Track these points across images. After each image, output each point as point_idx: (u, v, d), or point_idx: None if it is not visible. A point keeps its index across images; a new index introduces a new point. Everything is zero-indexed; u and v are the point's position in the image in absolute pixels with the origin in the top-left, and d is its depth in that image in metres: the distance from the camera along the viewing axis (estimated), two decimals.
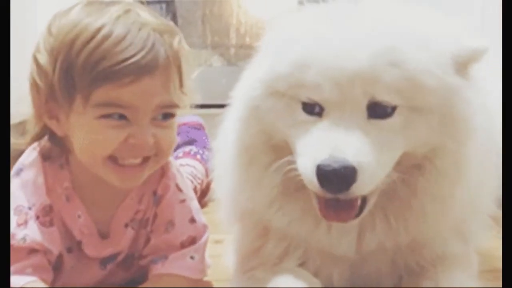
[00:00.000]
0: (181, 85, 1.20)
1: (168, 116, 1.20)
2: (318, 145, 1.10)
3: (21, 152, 1.27)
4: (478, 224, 1.34)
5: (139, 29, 1.14)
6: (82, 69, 1.11)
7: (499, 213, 1.29)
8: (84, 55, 1.11)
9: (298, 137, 1.15)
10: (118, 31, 1.12)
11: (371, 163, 1.08)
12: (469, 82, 1.16)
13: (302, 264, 1.28)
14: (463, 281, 1.23)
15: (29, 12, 2.33)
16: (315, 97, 1.12)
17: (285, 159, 1.17)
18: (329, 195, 1.10)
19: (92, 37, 1.12)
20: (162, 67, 1.15)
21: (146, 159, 1.19)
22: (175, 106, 1.20)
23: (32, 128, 1.24)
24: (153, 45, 1.14)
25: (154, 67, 1.13)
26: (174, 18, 3.20)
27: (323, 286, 1.24)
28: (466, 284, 1.23)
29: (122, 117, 1.15)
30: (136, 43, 1.12)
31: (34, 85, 1.18)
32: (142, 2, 1.27)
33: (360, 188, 1.08)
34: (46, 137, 1.25)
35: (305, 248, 1.27)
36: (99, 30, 1.12)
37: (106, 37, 1.12)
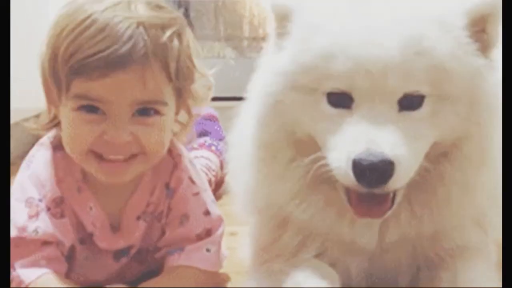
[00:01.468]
0: (169, 80, 1.15)
1: (150, 112, 1.16)
2: (352, 139, 1.07)
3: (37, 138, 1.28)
4: (498, 215, 1.32)
5: (120, 22, 1.10)
6: (62, 59, 1.11)
7: None
8: (64, 46, 1.10)
9: (326, 131, 1.12)
10: (98, 24, 1.10)
11: (406, 156, 1.06)
12: (490, 61, 1.14)
13: (319, 255, 1.26)
14: (481, 272, 1.22)
15: (30, 11, 2.36)
16: (344, 87, 1.09)
17: (313, 156, 1.14)
18: (364, 190, 1.07)
19: (75, 28, 1.10)
20: (139, 61, 1.10)
21: (132, 156, 1.17)
22: (158, 102, 1.15)
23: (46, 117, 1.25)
24: (129, 38, 1.10)
25: (128, 62, 1.09)
26: (186, 11, 3.19)
27: (340, 277, 1.22)
28: (485, 275, 1.21)
29: (98, 111, 1.13)
30: (112, 36, 1.09)
31: (42, 76, 1.18)
32: None
33: (397, 181, 1.06)
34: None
35: (323, 239, 1.25)
36: (83, 21, 1.11)
37: (86, 28, 1.10)
